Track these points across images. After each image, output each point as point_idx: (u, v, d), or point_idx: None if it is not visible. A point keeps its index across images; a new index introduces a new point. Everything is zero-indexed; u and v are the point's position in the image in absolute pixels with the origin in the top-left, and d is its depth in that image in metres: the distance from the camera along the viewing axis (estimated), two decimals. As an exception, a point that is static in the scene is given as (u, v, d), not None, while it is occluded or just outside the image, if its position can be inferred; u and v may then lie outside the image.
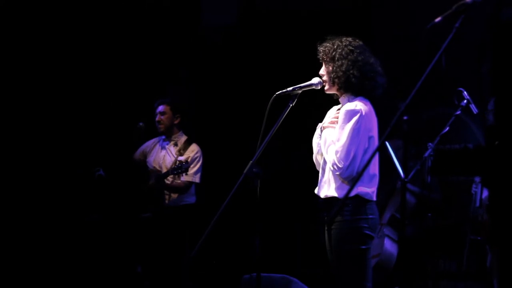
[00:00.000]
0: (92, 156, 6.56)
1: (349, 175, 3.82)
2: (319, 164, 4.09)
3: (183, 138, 6.23)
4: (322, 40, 4.07)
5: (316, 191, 4.07)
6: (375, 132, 3.93)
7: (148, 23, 7.09)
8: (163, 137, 6.26)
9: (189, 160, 5.95)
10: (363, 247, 3.86)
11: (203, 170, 6.15)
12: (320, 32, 4.09)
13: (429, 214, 4.95)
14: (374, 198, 3.94)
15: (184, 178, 5.99)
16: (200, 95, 7.26)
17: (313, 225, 4.27)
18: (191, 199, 6.13)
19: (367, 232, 3.87)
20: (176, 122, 6.22)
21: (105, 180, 6.22)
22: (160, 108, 6.20)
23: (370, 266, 3.92)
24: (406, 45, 6.05)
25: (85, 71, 6.99)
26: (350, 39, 4.02)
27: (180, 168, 5.80)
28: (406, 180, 4.46)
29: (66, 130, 6.92)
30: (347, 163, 3.80)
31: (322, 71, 4.03)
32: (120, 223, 6.28)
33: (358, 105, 3.89)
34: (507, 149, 2.46)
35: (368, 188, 3.89)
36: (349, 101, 3.97)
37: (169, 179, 6.01)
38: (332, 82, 3.98)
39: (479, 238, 5.25)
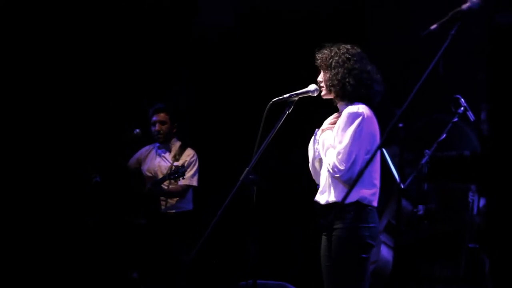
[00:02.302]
0: (90, 158, 6.50)
1: (349, 177, 3.80)
2: (317, 171, 4.08)
3: (177, 143, 6.18)
4: (320, 47, 4.09)
5: (316, 198, 4.03)
6: (377, 137, 3.92)
7: (147, 23, 7.05)
8: (157, 144, 6.19)
9: (185, 164, 5.91)
10: (364, 255, 3.84)
11: (200, 175, 6.11)
12: (318, 33, 4.11)
13: (425, 221, 4.95)
14: (375, 204, 3.90)
15: (182, 182, 5.93)
16: (200, 96, 7.22)
17: (312, 231, 4.24)
18: (188, 205, 6.07)
19: (368, 241, 3.84)
20: (174, 131, 6.17)
21: (102, 187, 6.16)
22: (160, 116, 6.09)
23: (368, 276, 3.90)
24: (401, 49, 6.04)
25: (83, 71, 6.95)
26: (348, 46, 4.03)
27: (177, 172, 5.73)
28: (402, 186, 4.47)
29: (65, 131, 6.88)
30: (348, 165, 3.79)
31: (320, 77, 4.05)
32: (116, 229, 6.23)
33: (360, 108, 3.89)
34: (501, 157, 2.46)
35: (369, 190, 3.86)
36: (347, 106, 3.97)
37: (165, 185, 5.98)
38: (329, 90, 4.01)
39: (477, 246, 5.24)
